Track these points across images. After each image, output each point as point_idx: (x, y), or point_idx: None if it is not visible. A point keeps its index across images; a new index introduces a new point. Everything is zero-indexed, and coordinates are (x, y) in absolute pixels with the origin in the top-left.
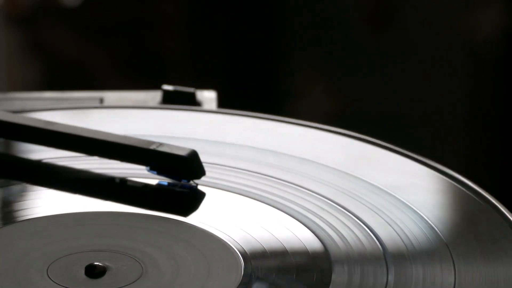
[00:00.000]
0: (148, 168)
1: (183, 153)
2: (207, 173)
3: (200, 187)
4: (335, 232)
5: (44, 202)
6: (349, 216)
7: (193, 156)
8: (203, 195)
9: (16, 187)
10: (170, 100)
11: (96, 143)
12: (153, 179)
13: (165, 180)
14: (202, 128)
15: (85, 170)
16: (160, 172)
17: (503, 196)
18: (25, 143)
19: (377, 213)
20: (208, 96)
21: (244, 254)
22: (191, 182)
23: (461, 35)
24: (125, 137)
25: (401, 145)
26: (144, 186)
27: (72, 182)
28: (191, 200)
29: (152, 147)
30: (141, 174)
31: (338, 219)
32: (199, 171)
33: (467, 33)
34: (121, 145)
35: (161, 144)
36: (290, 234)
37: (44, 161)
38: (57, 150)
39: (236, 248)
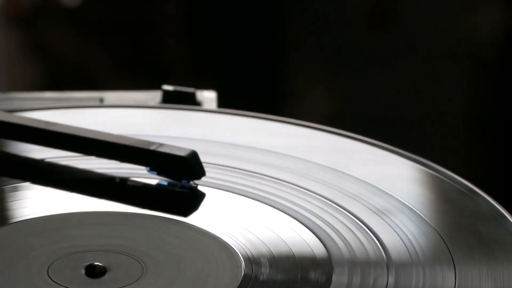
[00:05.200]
0: (148, 168)
1: (183, 153)
2: (207, 173)
3: (200, 188)
4: (335, 232)
5: (43, 202)
6: (349, 216)
7: (193, 157)
8: (203, 196)
9: (15, 187)
10: (170, 100)
11: (96, 144)
12: (153, 179)
13: (165, 181)
14: (202, 128)
15: (85, 170)
16: (160, 173)
17: (503, 197)
18: (25, 143)
19: (377, 214)
20: (208, 96)
21: (244, 254)
22: (191, 182)
23: (461, 35)
24: (125, 137)
25: (401, 145)
26: (144, 186)
27: (72, 182)
28: (191, 200)
29: (152, 147)
30: (141, 174)
31: (338, 219)
32: (199, 172)
33: (467, 33)
34: (121, 146)
35: (161, 145)
36: (290, 234)
37: (44, 161)
38: (57, 150)
39: (236, 248)
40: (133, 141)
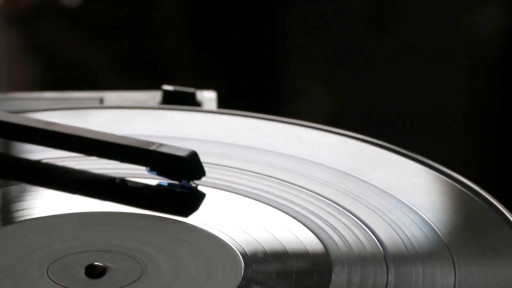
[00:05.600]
0: (148, 168)
1: (183, 153)
2: (207, 173)
3: (200, 188)
4: (335, 232)
5: (44, 202)
6: (349, 216)
7: (193, 157)
8: (203, 196)
9: (16, 187)
10: (170, 100)
11: (96, 144)
12: (153, 179)
13: (165, 181)
14: (202, 128)
15: (85, 170)
16: (160, 173)
17: (503, 196)
18: (25, 143)
19: (377, 214)
20: (208, 96)
21: (244, 254)
22: (191, 182)
23: (461, 35)
24: (125, 137)
25: (401, 145)
26: (144, 187)
27: (72, 182)
28: (191, 200)
29: (152, 147)
30: (140, 174)
31: (338, 219)
32: (199, 172)
33: (467, 33)
34: (121, 146)
35: (161, 145)
36: (290, 234)
37: (44, 161)
38: (57, 150)
39: (236, 248)
40: (133, 141)
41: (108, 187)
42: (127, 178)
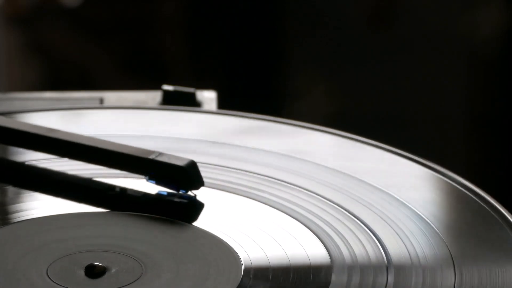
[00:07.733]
0: (147, 177)
1: (181, 163)
2: (207, 174)
3: (199, 188)
4: (335, 233)
5: (43, 203)
6: (350, 217)
7: (192, 167)
8: (203, 197)
9: (15, 187)
10: (170, 100)
11: (96, 152)
12: (152, 185)
13: (164, 190)
14: (202, 128)
15: (85, 176)
16: (159, 182)
17: (504, 197)
18: (25, 149)
19: (377, 214)
20: (208, 96)
21: (243, 255)
22: (190, 192)
23: (461, 35)
24: (125, 146)
25: (401, 145)
26: (143, 196)
27: (73, 188)
28: (191, 201)
29: (151, 156)
30: (138, 177)
31: (339, 220)
32: (198, 182)
33: (467, 33)
34: (120, 154)
35: (160, 154)
36: (290, 234)
37: (44, 163)
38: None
39: (236, 248)
40: (133, 149)
41: (107, 195)
42: (126, 187)
